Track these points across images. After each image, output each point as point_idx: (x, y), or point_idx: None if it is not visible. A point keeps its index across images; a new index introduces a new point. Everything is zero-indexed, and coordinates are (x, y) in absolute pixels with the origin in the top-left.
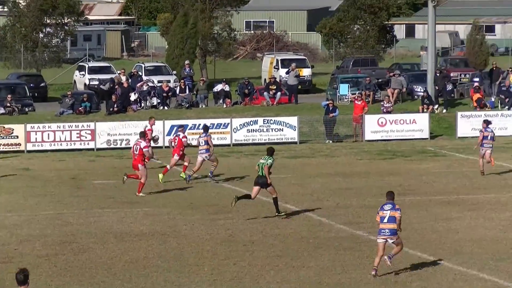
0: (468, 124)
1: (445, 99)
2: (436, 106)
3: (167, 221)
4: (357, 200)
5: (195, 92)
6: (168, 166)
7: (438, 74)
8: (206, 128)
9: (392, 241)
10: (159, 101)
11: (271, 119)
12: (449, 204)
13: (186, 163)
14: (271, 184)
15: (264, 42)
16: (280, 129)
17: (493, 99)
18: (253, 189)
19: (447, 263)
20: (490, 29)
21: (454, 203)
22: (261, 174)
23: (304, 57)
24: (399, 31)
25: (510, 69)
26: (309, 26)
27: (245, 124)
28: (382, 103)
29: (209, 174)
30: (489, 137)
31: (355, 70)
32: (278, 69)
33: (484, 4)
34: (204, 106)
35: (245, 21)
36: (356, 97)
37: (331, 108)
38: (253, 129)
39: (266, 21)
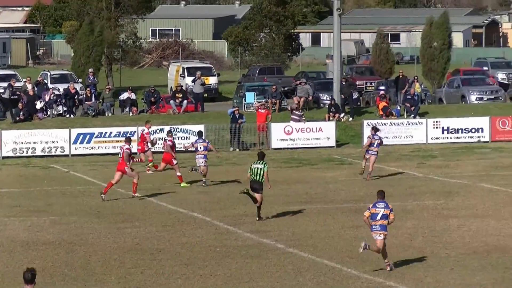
0: None
1: (351, 107)
2: (342, 115)
3: (74, 230)
4: (264, 208)
5: (101, 100)
6: (178, 173)
7: (344, 83)
8: (200, 134)
9: (381, 237)
10: (65, 109)
11: (177, 127)
12: (356, 212)
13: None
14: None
15: (170, 50)
16: (186, 137)
17: (398, 107)
18: (254, 195)
19: (354, 271)
20: (395, 37)
21: (361, 211)
22: (256, 179)
23: (210, 65)
24: (305, 39)
25: (416, 78)
26: (215, 34)
27: (151, 133)
28: (293, 111)
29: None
30: (375, 144)
31: (261, 78)
32: (184, 77)
33: (389, 13)
34: (110, 114)
35: (151, 29)
36: (259, 106)
37: (237, 116)
38: (160, 138)
39: (172, 29)
